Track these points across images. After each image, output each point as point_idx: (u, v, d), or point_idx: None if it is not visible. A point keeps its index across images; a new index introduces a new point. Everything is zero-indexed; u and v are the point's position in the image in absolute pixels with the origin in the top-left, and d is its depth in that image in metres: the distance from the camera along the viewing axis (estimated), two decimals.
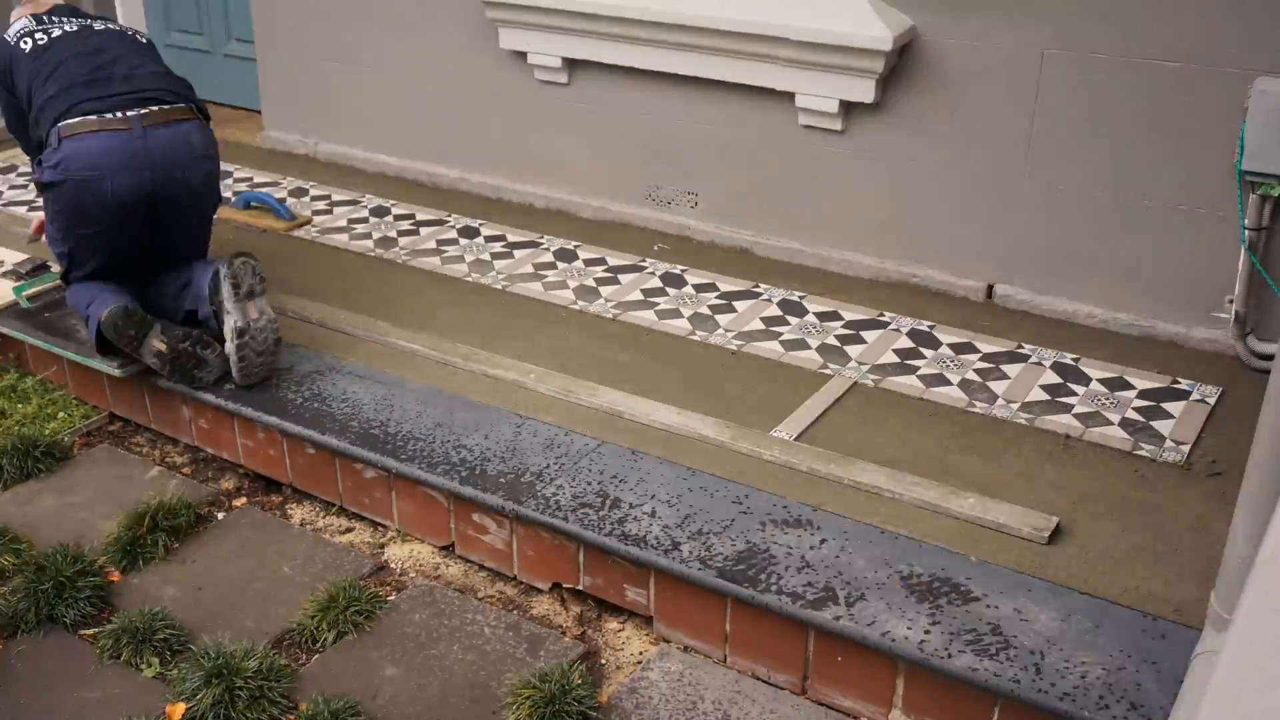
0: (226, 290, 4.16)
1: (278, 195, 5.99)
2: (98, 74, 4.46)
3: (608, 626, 3.60)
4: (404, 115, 6.11)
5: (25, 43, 4.58)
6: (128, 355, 4.33)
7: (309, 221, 5.74)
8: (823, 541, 3.43)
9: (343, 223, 5.69)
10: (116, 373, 4.38)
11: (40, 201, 4.57)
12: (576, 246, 5.37)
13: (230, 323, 4.15)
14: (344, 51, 6.18)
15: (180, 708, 3.26)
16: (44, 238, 4.72)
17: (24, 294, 4.87)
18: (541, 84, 5.62)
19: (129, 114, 4.36)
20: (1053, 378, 4.26)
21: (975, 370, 4.31)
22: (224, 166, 6.32)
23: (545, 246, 5.39)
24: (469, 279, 5.10)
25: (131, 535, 3.85)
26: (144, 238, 4.45)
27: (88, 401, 4.67)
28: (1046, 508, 3.55)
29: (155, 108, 4.42)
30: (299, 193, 6.04)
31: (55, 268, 4.94)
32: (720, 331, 4.62)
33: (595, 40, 5.28)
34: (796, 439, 3.92)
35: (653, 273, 5.11)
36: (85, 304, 4.43)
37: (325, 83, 6.33)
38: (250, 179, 6.22)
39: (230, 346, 4.16)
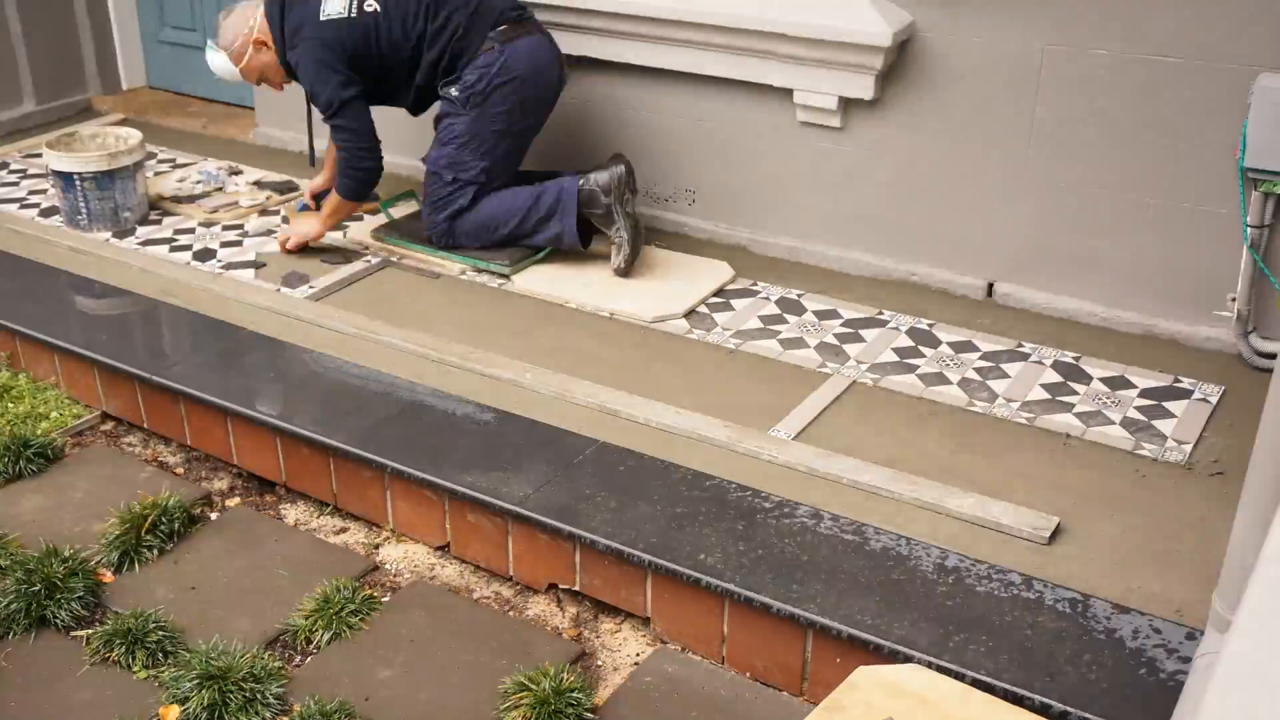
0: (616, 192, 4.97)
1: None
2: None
3: (604, 627, 3.59)
4: (396, 112, 6.10)
5: (370, 4, 5.01)
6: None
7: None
8: (822, 544, 3.43)
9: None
10: (507, 271, 5.07)
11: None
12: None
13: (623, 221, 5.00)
14: None
15: (174, 710, 3.26)
16: (442, 169, 5.14)
17: (390, 209, 5.55)
18: None
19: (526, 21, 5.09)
20: (1053, 376, 4.26)
21: (975, 369, 4.31)
22: (210, 160, 6.32)
23: None
24: (463, 277, 5.10)
25: (124, 536, 3.84)
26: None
27: (80, 401, 4.66)
28: (1047, 507, 3.55)
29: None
30: (288, 189, 6.03)
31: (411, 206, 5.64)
32: (718, 330, 4.61)
33: (590, 36, 5.27)
34: (795, 438, 3.91)
35: None
36: (521, 209, 5.07)
37: None
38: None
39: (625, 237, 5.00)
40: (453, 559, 3.87)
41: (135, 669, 3.42)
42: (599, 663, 3.47)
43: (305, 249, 5.33)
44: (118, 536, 3.85)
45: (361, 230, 5.50)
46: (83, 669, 3.44)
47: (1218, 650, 2.71)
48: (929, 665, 2.96)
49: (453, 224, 5.15)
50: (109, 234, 5.46)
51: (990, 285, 4.80)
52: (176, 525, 3.94)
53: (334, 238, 5.43)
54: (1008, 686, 2.92)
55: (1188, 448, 3.84)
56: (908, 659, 3.01)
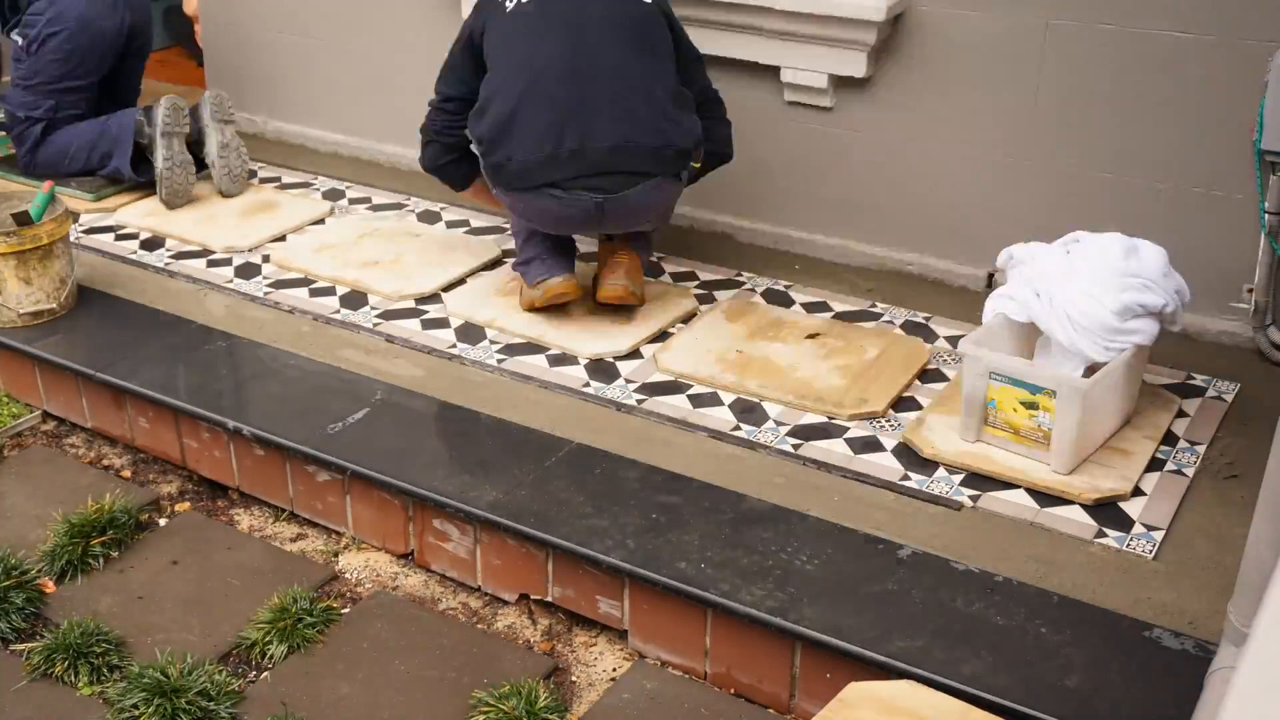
0: (207, 115, 5.70)
1: None
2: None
3: (578, 640, 3.59)
4: (359, 92, 6.09)
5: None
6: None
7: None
8: (813, 548, 3.42)
9: None
10: (89, 198, 5.65)
11: None
12: None
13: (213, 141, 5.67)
14: (294, 22, 6.16)
15: None
16: (15, 108, 5.77)
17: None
18: None
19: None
20: None
21: None
22: None
23: (512, 232, 5.37)
24: None
25: (67, 543, 3.83)
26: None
27: (20, 400, 4.64)
28: None
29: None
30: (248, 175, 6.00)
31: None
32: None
33: None
34: (784, 437, 3.91)
35: None
36: (88, 143, 5.73)
37: (274, 56, 6.31)
38: None
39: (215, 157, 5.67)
40: (417, 568, 3.86)
41: (79, 685, 3.41)
42: (573, 678, 3.46)
43: None
44: (60, 544, 3.83)
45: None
46: (22, 684, 3.43)
47: (1233, 665, 2.71)
48: (926, 681, 2.95)
49: (33, 156, 5.81)
50: None
51: (991, 275, 4.80)
52: (123, 532, 3.92)
53: None
54: (1009, 703, 2.92)
55: (1201, 449, 3.84)
56: (903, 674, 3.00)
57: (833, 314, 4.63)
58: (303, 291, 4.86)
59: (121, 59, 5.93)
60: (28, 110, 5.75)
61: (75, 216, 5.45)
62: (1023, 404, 3.63)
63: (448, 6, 5.60)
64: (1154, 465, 3.74)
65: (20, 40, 5.71)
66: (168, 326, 4.61)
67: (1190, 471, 3.73)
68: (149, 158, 5.63)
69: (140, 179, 5.70)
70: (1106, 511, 3.53)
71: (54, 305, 4.65)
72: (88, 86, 5.82)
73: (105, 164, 5.72)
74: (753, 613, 3.21)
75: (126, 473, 4.33)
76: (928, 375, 4.22)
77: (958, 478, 3.69)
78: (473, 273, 4.96)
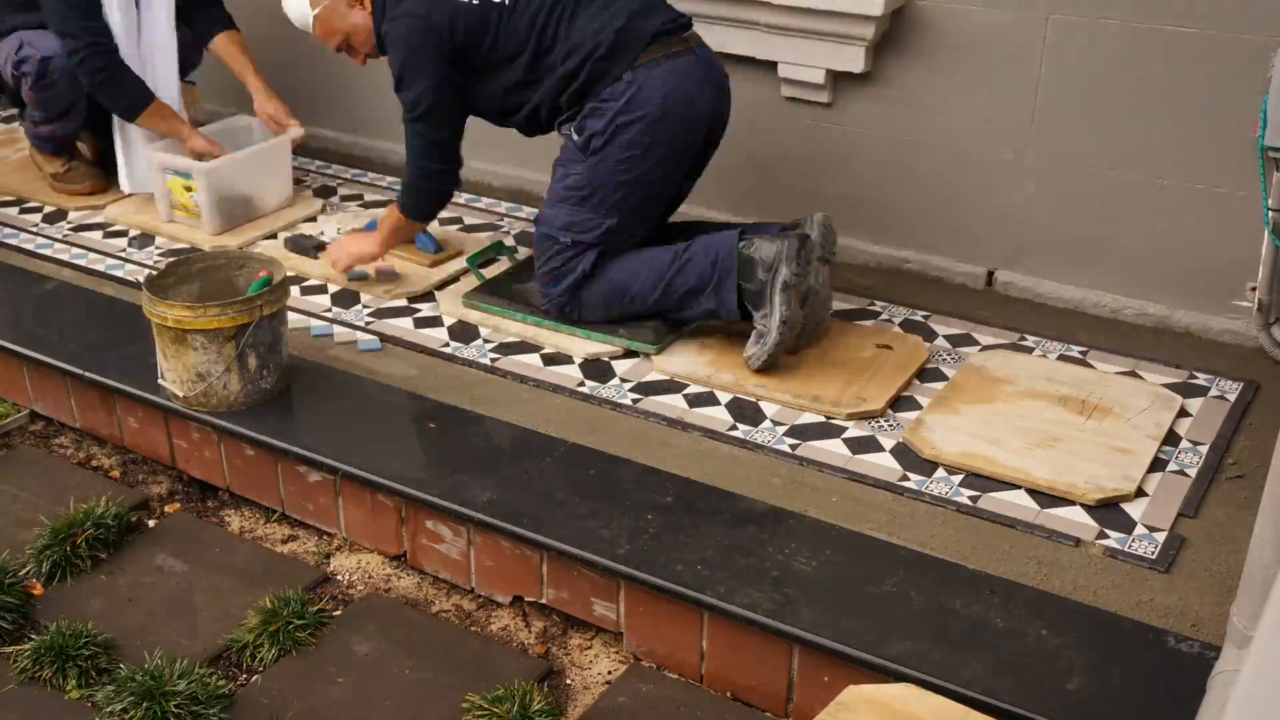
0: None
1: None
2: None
3: (573, 643, 3.58)
4: (350, 87, 6.07)
5: None
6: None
7: (459, 253, 5.12)
8: (811, 549, 3.42)
9: None
10: (653, 349, 4.35)
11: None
12: None
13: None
14: (284, 17, 6.13)
15: None
16: (557, 231, 4.37)
17: (478, 265, 4.86)
18: None
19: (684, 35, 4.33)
20: None
21: (974, 364, 4.30)
22: None
23: (505, 230, 5.36)
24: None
25: (55, 545, 3.82)
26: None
27: (6, 399, 4.63)
28: None
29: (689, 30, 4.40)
30: None
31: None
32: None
33: None
34: (781, 437, 3.90)
35: None
36: (659, 277, 4.29)
37: (265, 52, 6.29)
38: None
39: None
40: (410, 570, 3.86)
41: (67, 688, 3.41)
42: (568, 681, 3.46)
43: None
44: (48, 546, 3.82)
45: (447, 297, 4.81)
46: (9, 688, 3.42)
47: (1236, 668, 2.70)
48: (925, 684, 2.94)
49: (577, 294, 4.40)
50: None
51: (990, 273, 4.80)
52: (112, 533, 3.91)
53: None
54: (1010, 707, 2.91)
55: (1204, 449, 3.84)
56: (902, 677, 3.00)
57: (830, 312, 4.62)
58: (294, 289, 4.86)
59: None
60: (577, 233, 4.31)
61: (64, 215, 5.44)
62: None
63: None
64: (1156, 465, 3.73)
65: (578, 136, 4.30)
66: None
67: (1193, 472, 3.72)
68: (748, 305, 4.21)
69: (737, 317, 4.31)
70: (1108, 512, 3.53)
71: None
72: (659, 196, 4.40)
73: (690, 304, 4.30)
74: (749, 615, 3.20)
75: (115, 473, 4.32)
76: (926, 374, 4.21)
77: (957, 478, 3.69)
78: (467, 271, 4.94)
